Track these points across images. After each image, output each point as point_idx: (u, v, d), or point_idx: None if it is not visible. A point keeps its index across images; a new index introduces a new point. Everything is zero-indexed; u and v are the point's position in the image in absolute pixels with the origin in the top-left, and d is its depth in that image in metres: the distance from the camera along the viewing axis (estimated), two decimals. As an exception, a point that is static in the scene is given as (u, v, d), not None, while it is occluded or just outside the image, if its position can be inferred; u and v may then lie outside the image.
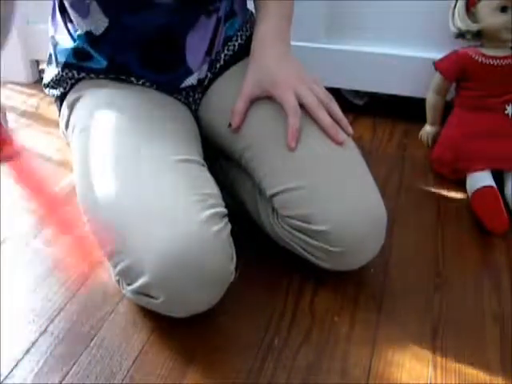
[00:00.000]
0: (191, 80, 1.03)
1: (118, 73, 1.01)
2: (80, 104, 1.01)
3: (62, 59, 1.03)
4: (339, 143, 0.92)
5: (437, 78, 1.28)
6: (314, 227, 0.88)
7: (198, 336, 0.86)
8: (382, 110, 1.46)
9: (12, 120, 1.44)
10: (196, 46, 1.00)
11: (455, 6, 1.24)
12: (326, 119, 0.92)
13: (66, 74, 1.03)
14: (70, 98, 1.04)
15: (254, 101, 0.97)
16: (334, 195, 0.88)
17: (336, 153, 0.92)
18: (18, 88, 1.60)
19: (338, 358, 0.83)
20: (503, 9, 1.18)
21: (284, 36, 0.99)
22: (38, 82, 1.65)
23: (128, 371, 0.80)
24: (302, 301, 0.93)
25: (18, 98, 1.56)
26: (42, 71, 1.71)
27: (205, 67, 1.04)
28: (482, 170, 1.15)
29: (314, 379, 0.80)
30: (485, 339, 0.87)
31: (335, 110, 0.94)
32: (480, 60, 1.21)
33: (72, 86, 1.04)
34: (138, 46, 0.98)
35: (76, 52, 1.01)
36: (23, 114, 1.48)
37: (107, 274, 0.97)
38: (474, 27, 1.21)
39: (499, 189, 1.13)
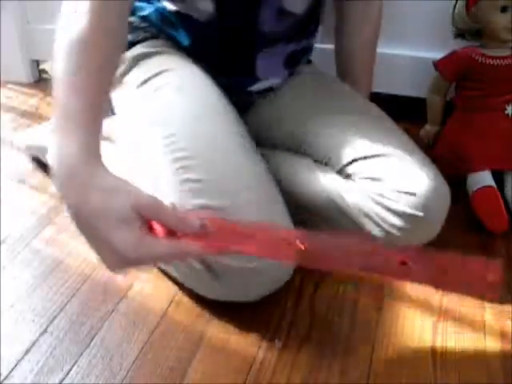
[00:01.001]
0: (259, 86, 1.07)
1: (196, 55, 1.01)
2: (153, 60, 1.01)
3: (144, 13, 1.03)
4: None
5: (437, 78, 1.28)
6: (399, 188, 0.91)
7: (198, 336, 0.86)
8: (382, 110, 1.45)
9: (12, 120, 1.45)
10: (267, 63, 1.05)
11: (455, 5, 1.24)
12: None
13: (144, 26, 1.03)
14: (138, 50, 1.02)
15: None
16: (413, 161, 0.95)
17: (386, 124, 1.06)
18: (18, 88, 1.60)
19: (338, 358, 0.83)
20: (503, 9, 1.18)
21: None
22: (37, 81, 1.65)
23: (128, 371, 0.80)
24: (302, 301, 0.93)
25: (17, 98, 1.56)
26: (42, 71, 1.71)
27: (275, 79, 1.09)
28: (482, 170, 1.15)
29: (314, 379, 0.80)
30: (485, 339, 0.87)
31: None
32: (480, 60, 1.21)
33: (145, 39, 1.03)
34: (218, 44, 1.02)
35: (164, 17, 1.01)
36: (23, 114, 1.48)
37: (107, 274, 0.97)
38: (474, 27, 1.21)
39: (499, 189, 1.13)
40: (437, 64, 1.27)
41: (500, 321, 0.90)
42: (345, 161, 0.98)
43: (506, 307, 0.92)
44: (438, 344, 0.86)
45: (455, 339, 0.86)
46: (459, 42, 1.26)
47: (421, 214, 0.91)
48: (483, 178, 1.14)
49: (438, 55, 1.27)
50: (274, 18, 1.00)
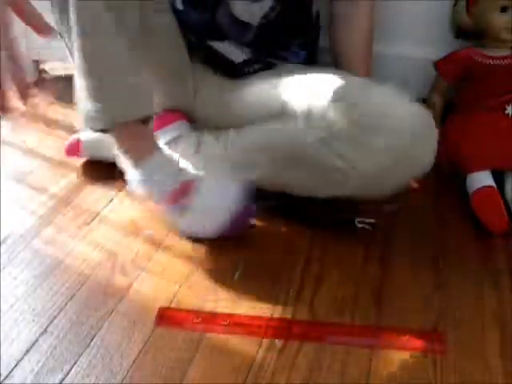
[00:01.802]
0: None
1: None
2: None
3: None
4: None
5: (437, 78, 1.28)
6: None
7: (198, 335, 0.86)
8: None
9: (12, 120, 1.44)
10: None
11: (455, 6, 1.24)
12: None
13: None
14: None
15: None
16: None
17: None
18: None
19: (337, 358, 0.83)
20: (503, 9, 1.18)
21: None
22: (37, 81, 1.65)
23: (128, 371, 0.80)
24: (302, 301, 0.93)
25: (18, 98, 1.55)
26: (42, 71, 1.71)
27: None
28: (482, 169, 1.15)
29: (314, 379, 0.80)
30: (485, 339, 0.87)
31: None
32: (480, 60, 1.21)
33: None
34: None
35: None
36: (23, 114, 1.48)
37: (107, 274, 0.97)
38: (474, 27, 1.21)
39: (499, 189, 1.13)
40: (437, 64, 1.27)
41: (500, 321, 0.90)
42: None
43: (506, 307, 0.92)
44: (438, 344, 0.86)
45: (455, 339, 0.86)
46: (459, 42, 1.26)
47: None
48: (483, 178, 1.14)
49: (438, 55, 1.27)
50: (230, 26, 1.10)
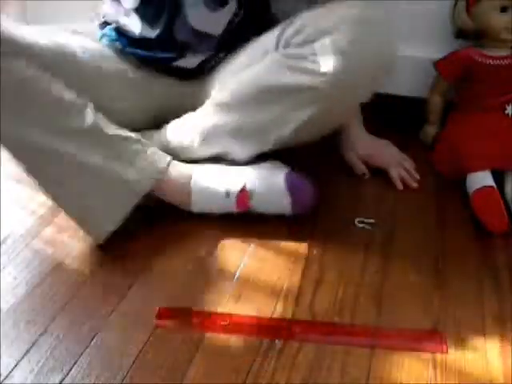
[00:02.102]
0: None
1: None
2: None
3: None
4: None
5: (437, 78, 1.28)
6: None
7: (198, 336, 0.86)
8: (382, 110, 1.45)
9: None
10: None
11: (455, 6, 1.24)
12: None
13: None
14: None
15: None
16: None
17: None
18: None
19: (338, 358, 0.83)
20: (503, 9, 1.18)
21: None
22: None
23: (128, 371, 0.80)
24: (302, 301, 0.93)
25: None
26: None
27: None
28: (482, 170, 1.15)
29: (314, 379, 0.80)
30: (485, 339, 0.87)
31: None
32: (480, 60, 1.21)
33: None
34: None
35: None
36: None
37: (107, 274, 0.97)
38: (474, 27, 1.21)
39: (499, 189, 1.13)
40: (437, 64, 1.27)
41: (500, 321, 0.90)
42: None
43: (506, 307, 0.92)
44: (438, 344, 0.86)
45: (455, 339, 0.86)
46: (459, 42, 1.26)
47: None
48: (483, 178, 1.14)
49: (438, 55, 1.27)
50: (192, 37, 1.13)
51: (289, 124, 1.05)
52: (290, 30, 1.08)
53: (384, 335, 0.86)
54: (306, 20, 1.06)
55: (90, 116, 1.02)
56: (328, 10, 1.05)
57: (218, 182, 1.07)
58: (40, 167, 1.01)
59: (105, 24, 1.20)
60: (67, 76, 1.03)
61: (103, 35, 1.18)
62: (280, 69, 1.04)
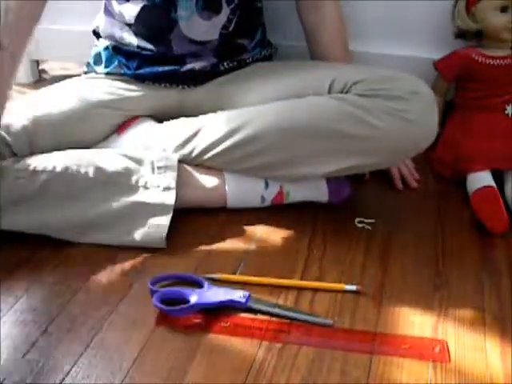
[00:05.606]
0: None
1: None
2: None
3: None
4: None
5: (437, 78, 1.28)
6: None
7: (198, 336, 0.86)
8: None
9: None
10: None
11: (455, 5, 1.24)
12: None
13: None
14: None
15: None
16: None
17: None
18: (18, 88, 1.60)
19: (338, 359, 0.83)
20: (503, 9, 1.18)
21: None
22: (37, 81, 1.65)
23: (128, 371, 0.80)
24: (302, 301, 0.93)
25: (17, 98, 1.55)
26: (42, 71, 1.71)
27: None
28: (482, 170, 1.15)
29: (313, 379, 0.80)
30: (485, 339, 0.87)
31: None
32: (480, 60, 1.21)
33: None
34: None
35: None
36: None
37: (107, 274, 0.97)
38: (474, 27, 1.21)
39: (499, 189, 1.13)
40: (437, 64, 1.27)
41: (500, 321, 0.90)
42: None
43: (506, 307, 0.92)
44: (438, 344, 0.86)
45: (455, 339, 0.86)
46: (459, 42, 1.26)
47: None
48: (483, 178, 1.14)
49: (438, 55, 1.27)
50: (190, 47, 1.15)
51: (328, 165, 1.06)
52: (349, 78, 1.07)
53: (384, 336, 0.86)
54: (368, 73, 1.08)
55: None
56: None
57: (252, 189, 1.11)
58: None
59: (98, 35, 1.23)
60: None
61: (96, 56, 1.22)
62: (342, 115, 1.03)
